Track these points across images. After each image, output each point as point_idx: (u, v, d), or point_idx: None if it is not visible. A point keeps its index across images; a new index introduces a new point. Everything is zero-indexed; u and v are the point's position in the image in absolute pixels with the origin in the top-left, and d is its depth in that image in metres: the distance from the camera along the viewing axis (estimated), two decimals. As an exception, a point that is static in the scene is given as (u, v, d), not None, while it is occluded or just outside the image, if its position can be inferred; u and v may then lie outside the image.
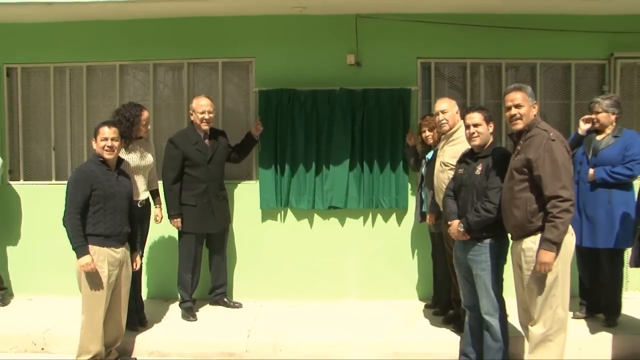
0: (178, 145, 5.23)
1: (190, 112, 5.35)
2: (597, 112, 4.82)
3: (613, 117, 4.81)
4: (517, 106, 3.80)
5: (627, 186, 4.76)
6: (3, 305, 5.68)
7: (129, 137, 4.77)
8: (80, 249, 4.07)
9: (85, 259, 4.06)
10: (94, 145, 4.26)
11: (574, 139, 4.96)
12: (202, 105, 5.27)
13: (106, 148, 4.22)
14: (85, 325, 4.18)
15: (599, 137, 4.85)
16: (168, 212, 5.26)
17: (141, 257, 4.74)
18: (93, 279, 4.11)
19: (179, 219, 5.23)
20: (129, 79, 6.18)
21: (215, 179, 5.39)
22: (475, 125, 4.04)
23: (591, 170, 4.74)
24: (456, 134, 4.61)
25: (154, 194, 5.31)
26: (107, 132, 4.23)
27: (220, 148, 5.44)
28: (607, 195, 4.71)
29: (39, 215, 5.99)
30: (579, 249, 4.82)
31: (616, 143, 4.75)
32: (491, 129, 4.10)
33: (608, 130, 4.82)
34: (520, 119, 3.80)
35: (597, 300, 5.03)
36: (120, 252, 4.28)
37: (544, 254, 3.59)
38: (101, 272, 4.12)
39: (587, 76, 6.06)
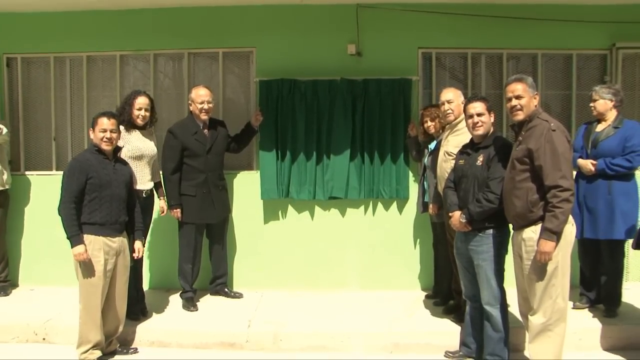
0: (177, 135, 5.22)
1: (189, 102, 5.33)
2: (595, 100, 4.84)
3: (611, 105, 4.80)
4: (518, 97, 3.80)
5: (628, 177, 4.75)
6: (4, 296, 5.68)
7: (125, 121, 4.78)
8: (74, 239, 4.09)
9: (79, 248, 4.07)
10: (92, 135, 4.27)
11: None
12: (201, 96, 5.25)
13: (104, 139, 4.23)
14: (83, 315, 4.21)
15: (598, 128, 4.85)
16: (168, 202, 5.27)
17: (143, 245, 4.73)
18: (88, 267, 4.12)
19: (178, 209, 5.23)
20: (129, 69, 6.16)
21: (214, 169, 5.38)
22: (479, 115, 4.04)
23: (592, 163, 4.74)
24: (461, 124, 4.59)
25: (157, 185, 5.29)
26: (106, 123, 4.24)
27: (219, 138, 5.43)
28: (606, 186, 4.70)
29: (39, 206, 5.99)
30: (581, 240, 4.83)
31: (616, 134, 4.74)
32: (492, 119, 4.10)
33: (609, 121, 4.81)
34: (521, 109, 3.81)
35: (597, 291, 5.04)
36: (117, 241, 4.29)
37: (544, 244, 3.60)
38: (97, 261, 4.14)
39: (588, 66, 6.04)
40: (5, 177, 5.66)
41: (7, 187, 5.70)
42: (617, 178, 4.70)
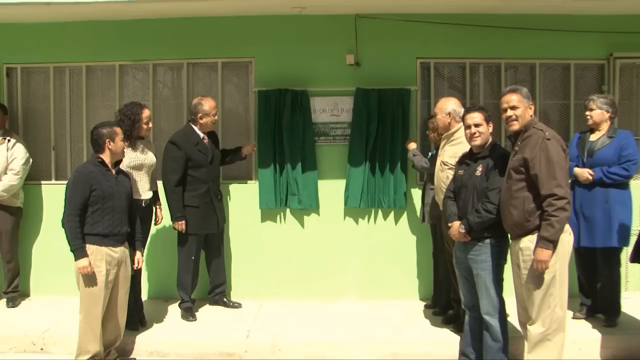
0: (181, 146, 5.19)
1: (199, 114, 5.26)
2: (591, 110, 4.85)
3: (607, 116, 4.83)
4: (513, 108, 3.85)
5: (624, 185, 4.79)
6: (13, 307, 5.65)
7: (131, 135, 4.80)
8: (78, 251, 4.07)
9: (83, 261, 4.06)
10: (110, 146, 4.24)
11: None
12: (214, 107, 5.31)
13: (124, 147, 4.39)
14: (83, 325, 4.18)
15: (593, 138, 4.88)
16: (172, 214, 5.21)
17: (142, 255, 4.72)
18: (90, 278, 4.11)
19: (183, 222, 5.18)
20: (128, 79, 6.17)
21: (215, 179, 5.42)
22: (477, 125, 4.04)
23: (590, 172, 4.74)
24: (457, 134, 4.59)
25: (154, 195, 5.28)
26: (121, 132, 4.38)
27: (217, 148, 5.48)
28: (604, 194, 4.73)
29: (38, 216, 5.99)
30: (577, 249, 4.83)
31: (611, 143, 4.77)
32: (490, 129, 4.11)
33: (602, 130, 4.84)
34: (516, 120, 3.84)
35: (596, 300, 5.03)
36: (119, 252, 4.28)
37: (541, 252, 3.61)
38: (99, 271, 4.12)
39: (586, 76, 6.06)
40: (21, 195, 5.79)
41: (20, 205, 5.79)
42: (614, 187, 4.73)
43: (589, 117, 4.88)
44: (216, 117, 5.36)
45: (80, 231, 4.11)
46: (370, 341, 4.78)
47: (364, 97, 5.76)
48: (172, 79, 6.24)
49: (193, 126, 5.32)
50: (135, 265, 4.53)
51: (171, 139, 5.28)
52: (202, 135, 5.31)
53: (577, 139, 5.04)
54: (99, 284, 4.14)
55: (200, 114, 5.28)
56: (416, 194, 5.87)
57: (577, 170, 4.82)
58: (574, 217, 4.77)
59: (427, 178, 5.28)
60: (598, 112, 4.83)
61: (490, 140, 4.13)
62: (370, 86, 5.78)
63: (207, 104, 5.29)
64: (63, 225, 4.12)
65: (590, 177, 4.72)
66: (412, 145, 5.49)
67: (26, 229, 5.95)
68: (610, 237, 4.72)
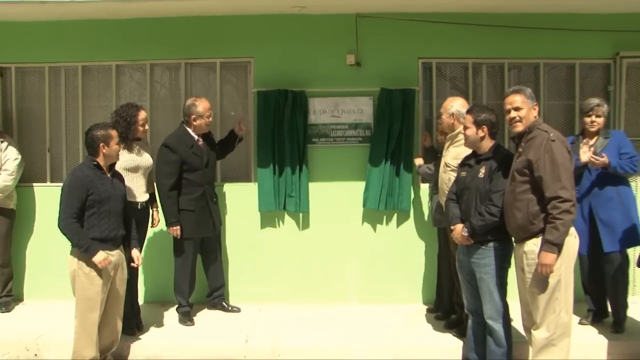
0: (176, 149, 5.10)
1: (192, 116, 5.17)
2: (599, 116, 4.81)
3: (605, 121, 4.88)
4: (517, 109, 3.82)
5: (628, 184, 4.83)
6: (6, 312, 5.58)
7: (127, 137, 4.74)
8: (90, 249, 4.03)
9: (100, 255, 4.03)
10: (105, 150, 4.18)
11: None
12: (208, 109, 5.22)
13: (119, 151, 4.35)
14: (79, 330, 4.13)
15: (590, 141, 4.84)
16: (167, 219, 5.13)
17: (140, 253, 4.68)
18: (90, 280, 4.05)
19: (178, 227, 5.10)
20: (125, 79, 6.11)
21: (211, 182, 5.36)
22: (465, 128, 4.04)
23: (604, 158, 4.62)
24: (460, 134, 4.53)
25: (151, 197, 5.20)
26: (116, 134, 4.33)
27: (212, 149, 5.40)
28: (617, 196, 4.70)
29: (32, 218, 5.94)
30: (582, 256, 4.76)
31: (610, 143, 4.77)
32: (482, 133, 4.01)
33: (595, 134, 4.85)
34: (520, 121, 3.82)
35: (602, 305, 4.98)
36: (115, 255, 4.23)
37: (545, 256, 3.57)
38: (96, 275, 4.06)
39: (591, 76, 5.99)
40: (14, 197, 5.73)
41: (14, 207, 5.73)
42: (622, 185, 4.75)
43: (595, 123, 4.81)
44: (211, 119, 5.26)
45: (82, 230, 4.07)
46: (371, 346, 4.74)
47: (388, 97, 5.68)
48: (170, 80, 6.19)
49: (187, 128, 5.23)
50: (135, 262, 4.47)
51: (165, 142, 5.19)
52: (196, 137, 5.22)
53: (570, 143, 4.96)
54: (95, 288, 4.09)
55: (193, 116, 5.18)
56: (420, 197, 5.84)
57: (591, 159, 4.66)
58: (582, 223, 4.70)
59: (432, 183, 5.21)
60: (603, 119, 4.82)
61: (492, 142, 4.06)
62: (370, 87, 5.73)
63: (201, 106, 5.19)
64: (61, 230, 4.07)
65: (607, 161, 4.61)
66: (419, 161, 5.48)
67: (20, 231, 5.89)
68: (634, 236, 4.70)
